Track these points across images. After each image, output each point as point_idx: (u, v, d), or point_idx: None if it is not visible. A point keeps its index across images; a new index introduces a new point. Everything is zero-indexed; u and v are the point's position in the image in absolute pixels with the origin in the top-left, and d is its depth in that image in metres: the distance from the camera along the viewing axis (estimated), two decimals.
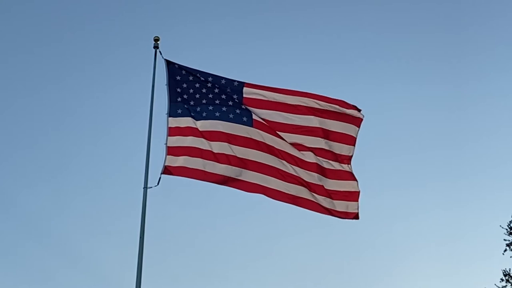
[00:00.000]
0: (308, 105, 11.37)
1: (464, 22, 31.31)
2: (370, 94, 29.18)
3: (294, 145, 11.20)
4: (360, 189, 11.16)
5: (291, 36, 30.91)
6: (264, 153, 11.14)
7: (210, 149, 11.08)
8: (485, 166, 31.08)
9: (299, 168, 11.11)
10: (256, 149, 11.16)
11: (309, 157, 11.17)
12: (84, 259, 25.45)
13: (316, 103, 11.38)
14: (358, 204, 11.11)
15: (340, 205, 11.10)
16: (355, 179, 11.20)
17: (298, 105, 11.36)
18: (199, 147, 11.09)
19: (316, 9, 30.72)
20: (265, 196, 11.08)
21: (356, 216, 11.13)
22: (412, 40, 31.61)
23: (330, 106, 11.36)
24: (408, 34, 31.51)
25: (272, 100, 11.37)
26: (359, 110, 11.36)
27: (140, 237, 10.18)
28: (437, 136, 31.85)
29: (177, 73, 11.45)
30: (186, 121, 11.19)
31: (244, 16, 30.85)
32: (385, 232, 28.88)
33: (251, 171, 11.05)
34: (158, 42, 11.61)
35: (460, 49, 31.08)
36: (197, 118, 11.23)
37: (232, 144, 11.13)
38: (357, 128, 11.33)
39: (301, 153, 11.18)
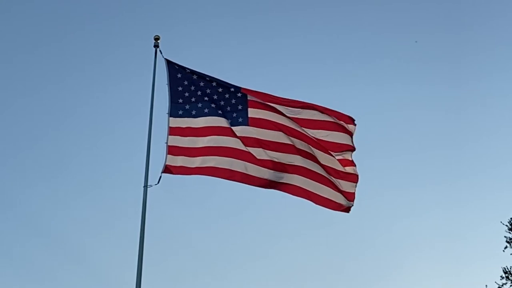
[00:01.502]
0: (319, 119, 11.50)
1: (464, 22, 31.35)
2: (370, 94, 29.27)
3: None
4: (360, 189, 11.47)
5: (291, 36, 30.93)
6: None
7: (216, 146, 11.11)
8: (485, 166, 31.07)
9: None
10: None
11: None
12: (84, 259, 25.45)
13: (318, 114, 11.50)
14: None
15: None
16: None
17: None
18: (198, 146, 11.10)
19: (316, 9, 30.76)
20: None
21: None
22: (412, 40, 31.61)
23: (327, 116, 11.48)
24: (408, 34, 31.53)
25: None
26: (354, 124, 11.49)
27: (140, 237, 10.18)
28: (437, 136, 31.84)
29: (177, 73, 11.43)
30: (189, 122, 11.19)
31: (244, 16, 30.89)
32: (385, 232, 28.89)
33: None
34: (159, 41, 11.60)
35: (460, 49, 31.10)
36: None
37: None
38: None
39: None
